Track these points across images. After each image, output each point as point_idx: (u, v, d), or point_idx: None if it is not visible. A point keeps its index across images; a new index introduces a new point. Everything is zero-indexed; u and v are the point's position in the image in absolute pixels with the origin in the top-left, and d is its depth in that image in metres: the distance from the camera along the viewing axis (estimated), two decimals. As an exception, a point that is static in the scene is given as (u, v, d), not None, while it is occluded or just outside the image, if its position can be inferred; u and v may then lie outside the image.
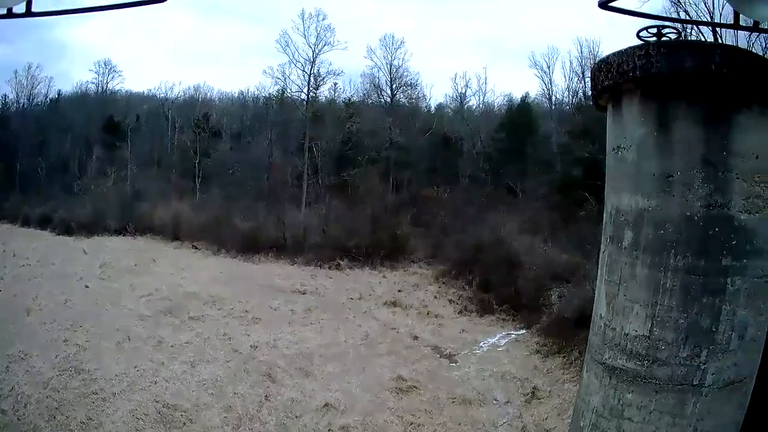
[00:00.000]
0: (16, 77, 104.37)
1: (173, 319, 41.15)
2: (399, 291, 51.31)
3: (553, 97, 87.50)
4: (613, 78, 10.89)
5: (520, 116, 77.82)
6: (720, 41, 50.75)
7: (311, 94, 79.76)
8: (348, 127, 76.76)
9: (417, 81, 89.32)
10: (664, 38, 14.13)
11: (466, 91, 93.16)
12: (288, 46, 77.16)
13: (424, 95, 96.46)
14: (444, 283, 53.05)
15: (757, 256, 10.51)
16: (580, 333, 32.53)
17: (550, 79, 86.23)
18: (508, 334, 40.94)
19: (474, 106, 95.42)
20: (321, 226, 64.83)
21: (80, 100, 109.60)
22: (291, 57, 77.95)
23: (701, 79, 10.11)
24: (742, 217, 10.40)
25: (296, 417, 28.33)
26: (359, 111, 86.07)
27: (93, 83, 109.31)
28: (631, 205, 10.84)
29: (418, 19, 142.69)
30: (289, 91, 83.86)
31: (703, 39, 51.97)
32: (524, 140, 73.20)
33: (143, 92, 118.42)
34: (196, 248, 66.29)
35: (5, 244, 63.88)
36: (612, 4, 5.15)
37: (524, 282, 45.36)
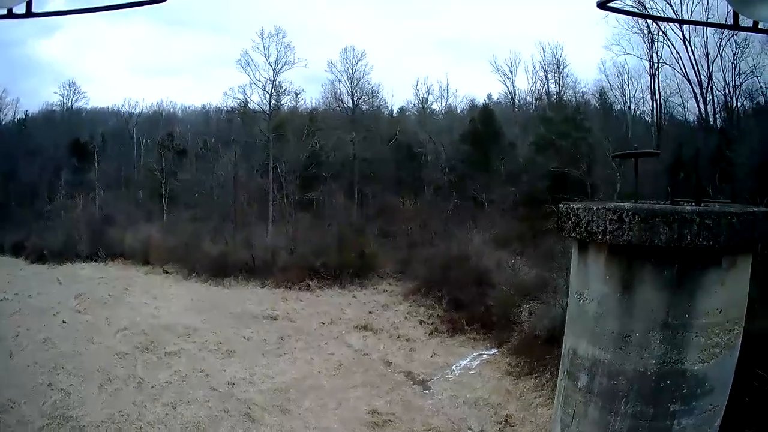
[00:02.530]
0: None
1: (150, 355, 41.45)
2: (369, 312, 51.85)
3: (517, 102, 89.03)
4: (581, 234, 12.09)
5: (484, 124, 77.33)
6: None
7: (272, 112, 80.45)
8: (311, 145, 76.92)
9: (378, 90, 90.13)
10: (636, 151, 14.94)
11: (428, 97, 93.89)
12: (249, 65, 77.20)
13: (385, 103, 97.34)
14: (414, 301, 53.45)
15: (707, 395, 11.70)
16: (551, 351, 33.36)
17: (513, 84, 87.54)
18: (479, 354, 41.37)
19: (437, 110, 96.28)
20: (289, 247, 65.13)
21: (47, 120, 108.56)
22: (252, 77, 78.02)
23: (673, 249, 10.90)
24: (695, 368, 11.50)
25: (278, 458, 28.94)
26: (322, 120, 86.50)
27: (58, 105, 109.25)
28: (587, 353, 12.38)
29: (376, 22, 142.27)
30: (250, 107, 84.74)
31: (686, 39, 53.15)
32: (489, 150, 73.24)
33: (108, 108, 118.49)
34: (167, 272, 66.33)
35: (-19, 278, 63.70)
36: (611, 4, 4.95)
37: (494, 299, 45.78)
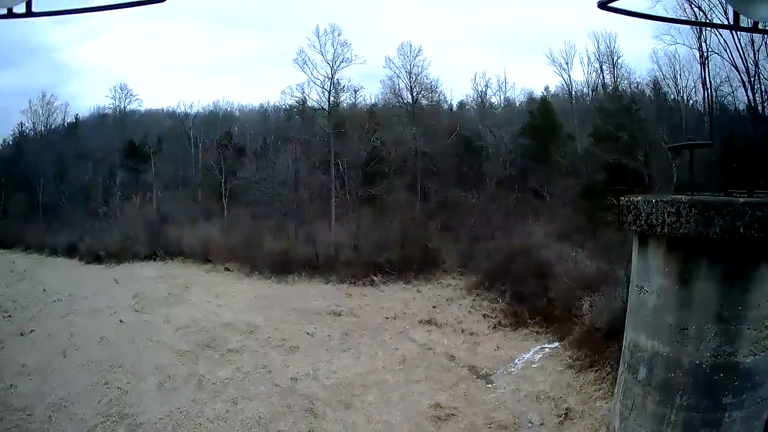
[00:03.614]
0: (30, 106, 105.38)
1: (212, 352, 41.11)
2: (434, 307, 51.02)
3: (574, 93, 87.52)
4: (641, 227, 12.80)
5: (542, 117, 77.12)
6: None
7: (331, 109, 79.65)
8: (372, 141, 76.02)
9: (437, 85, 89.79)
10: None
11: (486, 91, 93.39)
12: (306, 63, 76.58)
13: (444, 97, 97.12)
14: (477, 295, 52.65)
15: (758, 387, 12.14)
16: (611, 345, 33.17)
17: (569, 75, 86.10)
18: (541, 348, 40.71)
19: (496, 103, 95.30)
20: (352, 242, 64.40)
21: (99, 123, 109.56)
22: (309, 75, 77.41)
23: (728, 240, 11.32)
24: (747, 361, 11.92)
25: (340, 454, 28.30)
26: (382, 115, 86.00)
27: (110, 108, 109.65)
28: (647, 346, 13.22)
29: (430, 17, 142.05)
30: (309, 105, 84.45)
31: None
32: (548, 143, 72.87)
33: (162, 109, 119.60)
34: (229, 270, 65.69)
35: (34, 278, 64.06)
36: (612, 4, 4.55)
37: (555, 292, 45.12)
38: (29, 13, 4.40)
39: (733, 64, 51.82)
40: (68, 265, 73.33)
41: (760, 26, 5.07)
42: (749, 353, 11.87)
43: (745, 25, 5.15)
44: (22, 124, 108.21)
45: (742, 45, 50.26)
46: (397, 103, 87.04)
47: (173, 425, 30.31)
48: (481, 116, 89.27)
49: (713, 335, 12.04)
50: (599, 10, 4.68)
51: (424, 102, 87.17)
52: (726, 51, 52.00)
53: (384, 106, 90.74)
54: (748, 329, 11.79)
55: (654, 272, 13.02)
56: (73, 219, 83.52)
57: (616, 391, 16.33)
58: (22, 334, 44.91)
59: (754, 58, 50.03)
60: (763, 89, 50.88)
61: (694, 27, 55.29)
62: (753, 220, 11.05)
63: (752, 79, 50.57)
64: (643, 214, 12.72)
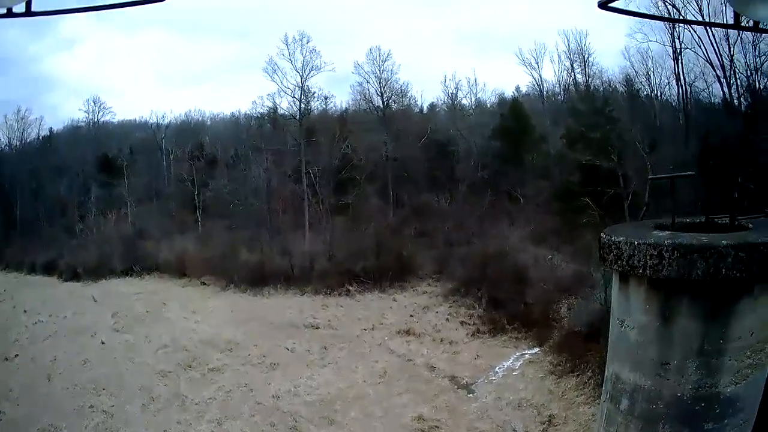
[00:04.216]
0: (6, 122, 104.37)
1: (193, 372, 41.32)
2: (411, 316, 51.20)
3: (545, 92, 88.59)
4: (622, 267, 12.90)
5: (514, 119, 76.76)
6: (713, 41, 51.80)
7: (302, 119, 79.50)
8: (343, 149, 76.10)
9: (407, 88, 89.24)
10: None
11: (457, 93, 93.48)
12: (276, 72, 76.48)
13: (415, 101, 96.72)
14: (454, 302, 52.65)
15: (739, 411, 12.42)
16: (591, 348, 33.48)
17: (540, 75, 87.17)
18: (521, 354, 40.99)
19: (467, 105, 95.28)
20: (326, 252, 64.48)
21: (73, 137, 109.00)
22: (279, 84, 77.11)
23: (709, 282, 11.51)
24: (728, 390, 12.20)
25: (326, 473, 28.61)
26: (353, 122, 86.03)
27: (84, 121, 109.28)
28: (629, 379, 13.40)
29: (398, 19, 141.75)
30: (280, 113, 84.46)
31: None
32: (520, 145, 72.82)
33: (135, 120, 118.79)
34: (205, 284, 65.68)
35: (14, 298, 64.06)
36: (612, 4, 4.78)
37: (533, 297, 45.40)
38: (29, 13, 4.55)
39: (707, 60, 52.78)
40: (47, 283, 73.41)
41: (761, 26, 5.20)
42: (730, 383, 12.26)
43: (746, 25, 5.42)
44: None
45: (717, 40, 51.14)
46: (367, 109, 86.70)
47: (161, 448, 30.73)
48: (452, 119, 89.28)
49: (695, 369, 12.38)
50: (600, 9, 4.88)
51: (394, 106, 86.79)
52: (700, 47, 52.93)
53: (354, 112, 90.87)
54: (730, 360, 12.17)
55: (635, 309, 13.33)
56: (50, 236, 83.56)
57: (598, 417, 16.62)
58: (6, 359, 45.06)
59: (729, 52, 50.89)
60: (739, 84, 51.72)
61: (667, 24, 55.60)
62: (736, 261, 11.36)
63: (728, 74, 51.44)
64: (624, 255, 12.95)
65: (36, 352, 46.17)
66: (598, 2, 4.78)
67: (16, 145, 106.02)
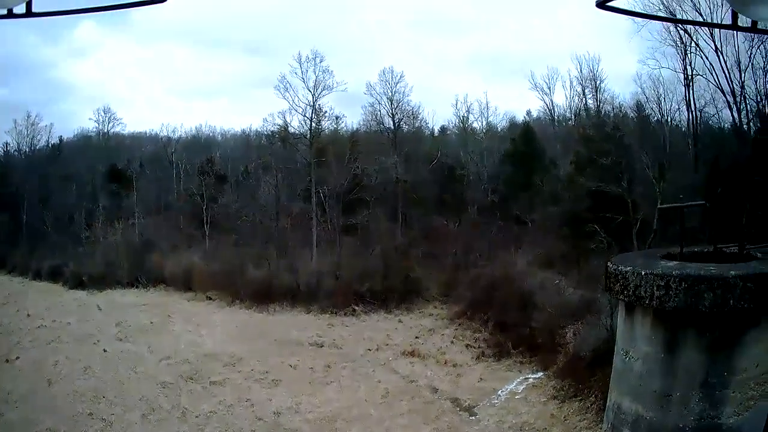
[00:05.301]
0: (15, 127, 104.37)
1: (195, 385, 41.23)
2: (416, 337, 51.06)
3: (556, 117, 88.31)
4: (629, 297, 12.91)
5: (524, 144, 76.51)
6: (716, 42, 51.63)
7: (313, 139, 78.89)
8: (353, 169, 75.78)
9: (419, 110, 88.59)
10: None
11: (468, 116, 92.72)
12: (287, 90, 76.25)
13: (426, 123, 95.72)
14: (460, 324, 52.66)
15: None
16: (595, 374, 32.90)
17: (552, 100, 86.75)
18: (525, 378, 40.73)
19: (477, 128, 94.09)
20: (334, 272, 64.06)
21: (82, 146, 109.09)
22: (291, 102, 76.76)
23: (717, 313, 11.48)
24: (730, 421, 12.01)
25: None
26: (363, 143, 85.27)
27: (94, 131, 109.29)
28: (631, 410, 13.34)
29: (412, 40, 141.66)
30: (291, 131, 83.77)
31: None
32: (530, 170, 72.39)
33: (146, 132, 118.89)
34: (210, 299, 65.54)
35: (18, 302, 63.94)
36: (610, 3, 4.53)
37: (539, 321, 45.04)
38: (29, 14, 4.24)
39: (718, 86, 52.29)
40: (52, 290, 73.21)
41: (759, 26, 5.00)
42: (733, 414, 12.03)
43: (744, 25, 5.28)
44: (7, 144, 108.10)
45: (728, 66, 50.76)
46: (378, 130, 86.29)
47: (160, 460, 30.56)
48: (463, 142, 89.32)
49: (698, 401, 12.24)
50: (598, 9, 4.65)
51: (405, 128, 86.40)
52: (711, 73, 52.44)
53: (365, 132, 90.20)
54: (733, 393, 11.97)
55: (640, 340, 13.32)
56: (56, 243, 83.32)
57: None
58: (7, 361, 44.99)
59: (740, 78, 50.43)
60: (749, 109, 51.43)
61: (679, 50, 55.27)
62: (744, 292, 11.24)
63: (738, 100, 51.04)
64: (631, 285, 12.86)
65: (38, 357, 46.11)
66: (596, 2, 4.32)
67: (26, 151, 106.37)
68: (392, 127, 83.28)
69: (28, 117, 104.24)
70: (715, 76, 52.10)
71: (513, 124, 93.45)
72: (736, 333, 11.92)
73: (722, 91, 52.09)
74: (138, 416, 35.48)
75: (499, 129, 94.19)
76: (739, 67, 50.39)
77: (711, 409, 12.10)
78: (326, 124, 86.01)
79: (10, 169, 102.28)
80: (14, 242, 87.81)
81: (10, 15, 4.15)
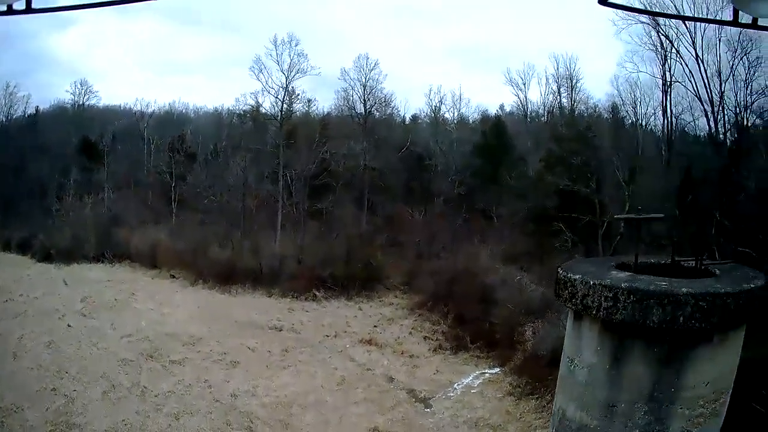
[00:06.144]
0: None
1: (155, 363, 41.53)
2: (375, 326, 51.60)
3: (529, 113, 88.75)
4: (576, 306, 12.74)
5: (495, 138, 77.73)
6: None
7: (283, 120, 79.60)
8: (322, 153, 76.27)
9: (391, 98, 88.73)
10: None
11: (440, 107, 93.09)
12: (261, 71, 76.54)
13: (398, 111, 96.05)
14: (419, 315, 53.31)
15: None
16: (553, 373, 33.36)
17: (526, 96, 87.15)
18: (482, 373, 41.13)
19: (449, 119, 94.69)
20: (296, 256, 64.73)
21: (57, 117, 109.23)
22: (264, 84, 76.94)
23: (666, 329, 11.47)
24: None
25: (277, 478, 28.75)
26: (334, 127, 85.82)
27: (69, 102, 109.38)
28: (575, 417, 13.22)
29: (388, 26, 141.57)
30: (263, 111, 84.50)
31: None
32: (499, 164, 72.86)
33: (120, 106, 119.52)
34: (174, 277, 66.26)
35: (-13, 276, 63.71)
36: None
37: (498, 317, 45.42)
38: (29, 10, 4.67)
39: (696, 95, 52.62)
40: (20, 262, 73.77)
41: (759, 23, 5.17)
42: (680, 430, 12.16)
43: (745, 22, 5.70)
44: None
45: (708, 75, 51.13)
46: (349, 115, 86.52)
47: (118, 438, 30.94)
48: (434, 132, 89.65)
49: (643, 414, 12.27)
50: (600, 6, 5.00)
51: (377, 114, 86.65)
52: (690, 81, 52.79)
53: (337, 117, 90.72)
54: (681, 409, 12.05)
55: (586, 349, 13.21)
56: (27, 214, 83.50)
57: None
58: (-26, 336, 45.07)
59: (720, 88, 50.65)
60: (726, 119, 51.63)
61: (659, 54, 55.25)
62: (695, 311, 11.19)
63: (716, 109, 51.21)
64: (579, 294, 12.68)
65: (4, 330, 46.21)
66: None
67: (2, 121, 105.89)
68: (363, 113, 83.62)
69: (7, 87, 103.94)
70: (693, 84, 52.49)
71: (485, 117, 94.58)
72: (686, 348, 11.94)
73: (700, 99, 52.43)
74: (99, 393, 35.81)
75: (470, 121, 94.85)
76: (720, 77, 50.57)
77: (657, 423, 12.20)
78: (298, 107, 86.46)
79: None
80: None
81: (10, 12, 4.64)
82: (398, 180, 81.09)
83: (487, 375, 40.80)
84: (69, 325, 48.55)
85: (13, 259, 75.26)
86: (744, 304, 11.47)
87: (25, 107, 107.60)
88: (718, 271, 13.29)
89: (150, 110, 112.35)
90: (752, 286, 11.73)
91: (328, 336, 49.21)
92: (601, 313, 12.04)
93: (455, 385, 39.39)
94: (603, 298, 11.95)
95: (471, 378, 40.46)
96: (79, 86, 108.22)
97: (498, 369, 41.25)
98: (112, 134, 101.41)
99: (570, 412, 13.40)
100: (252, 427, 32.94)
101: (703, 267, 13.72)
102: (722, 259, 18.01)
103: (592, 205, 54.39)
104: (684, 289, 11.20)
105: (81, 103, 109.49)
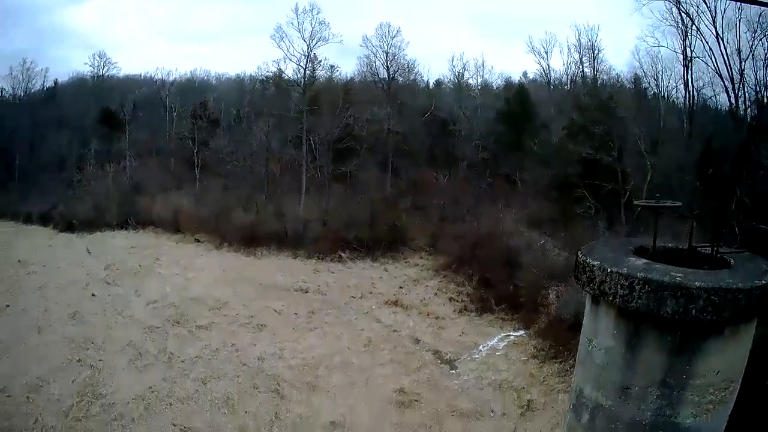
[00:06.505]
0: (11, 73, 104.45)
1: (181, 329, 41.56)
2: (400, 287, 51.53)
3: (552, 81, 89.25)
4: (594, 291, 13.18)
5: (518, 105, 77.57)
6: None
7: (306, 87, 78.50)
8: (345, 118, 76.17)
9: (414, 65, 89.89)
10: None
11: (464, 73, 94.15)
12: (283, 39, 76.30)
13: (421, 77, 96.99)
14: (444, 277, 53.29)
15: None
16: (576, 337, 33.20)
17: (548, 64, 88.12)
18: (506, 335, 41.11)
19: (472, 85, 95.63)
20: (321, 218, 64.77)
21: (77, 89, 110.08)
22: (286, 51, 76.82)
23: (678, 320, 11.72)
24: (687, 422, 12.59)
25: (306, 436, 28.88)
26: (357, 93, 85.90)
27: (88, 75, 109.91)
28: (592, 396, 13.86)
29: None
30: (285, 78, 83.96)
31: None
32: (522, 130, 72.73)
33: (140, 75, 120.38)
34: (198, 241, 66.32)
35: (9, 247, 64.11)
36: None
37: (522, 280, 45.39)
38: None
39: (717, 71, 52.49)
40: (42, 233, 73.62)
41: None
42: (690, 415, 12.55)
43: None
44: (2, 90, 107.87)
45: (728, 53, 51.02)
46: (372, 81, 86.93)
47: (145, 405, 30.86)
48: (457, 98, 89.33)
49: (655, 398, 12.66)
50: None
51: (400, 80, 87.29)
52: (711, 58, 52.81)
53: (359, 82, 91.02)
54: (691, 395, 12.42)
55: (603, 332, 13.59)
56: (48, 186, 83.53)
57: (562, 424, 17.70)
58: (-3, 310, 45.10)
59: (740, 66, 50.59)
60: (746, 96, 51.51)
61: (679, 31, 55.96)
62: (707, 304, 11.47)
63: (736, 86, 51.14)
64: (597, 280, 13.11)
65: (27, 303, 46.14)
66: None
67: (20, 96, 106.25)
68: (386, 79, 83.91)
69: (24, 62, 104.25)
70: (714, 61, 52.49)
71: (508, 83, 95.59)
72: (698, 339, 12.29)
73: (720, 76, 52.43)
74: (125, 361, 35.88)
75: (494, 87, 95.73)
76: (740, 56, 50.57)
77: (668, 407, 12.59)
78: (320, 73, 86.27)
79: (3, 115, 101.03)
80: (6, 187, 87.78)
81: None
82: (422, 144, 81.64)
83: (511, 337, 40.79)
84: (93, 294, 48.53)
85: (35, 230, 75.27)
86: (755, 300, 11.84)
87: (44, 81, 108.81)
88: (732, 261, 13.59)
89: (171, 78, 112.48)
90: (764, 282, 12.05)
91: (354, 297, 49.18)
92: (618, 300, 12.53)
93: (480, 347, 39.39)
94: (619, 286, 12.41)
95: (496, 340, 40.49)
96: (97, 58, 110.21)
97: (522, 332, 41.26)
98: (132, 103, 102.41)
99: (587, 391, 14.00)
100: (279, 390, 33.00)
101: (718, 255, 14.06)
102: (742, 234, 17.94)
103: (615, 173, 54.21)
104: (697, 283, 11.54)
105: (100, 74, 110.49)
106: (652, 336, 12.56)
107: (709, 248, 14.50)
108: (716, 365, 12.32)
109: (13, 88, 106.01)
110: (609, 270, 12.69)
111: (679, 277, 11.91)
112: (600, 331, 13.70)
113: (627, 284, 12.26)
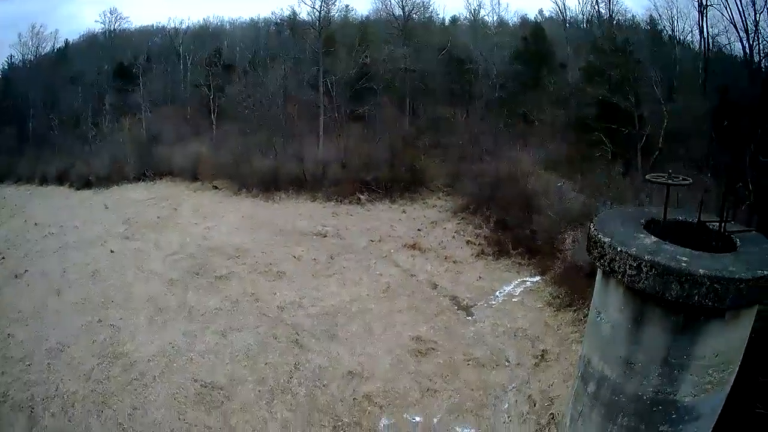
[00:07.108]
0: (20, 39, 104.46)
1: (201, 280, 41.75)
2: (418, 230, 51.39)
3: (568, 19, 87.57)
4: (604, 266, 13.66)
5: (535, 43, 77.21)
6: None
7: (321, 29, 78.07)
8: (362, 59, 75.55)
9: (429, 2, 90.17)
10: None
11: (479, 11, 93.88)
12: (297, -21, 75.84)
13: (437, 14, 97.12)
14: (462, 218, 53.10)
15: (694, 421, 13.40)
16: (591, 284, 32.87)
17: (564, 3, 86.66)
18: (522, 281, 40.91)
19: (489, 22, 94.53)
20: (340, 160, 64.36)
21: (88, 46, 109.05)
22: (300, -6, 76.38)
23: (682, 303, 12.16)
24: (686, 400, 13.05)
25: (324, 386, 29.16)
26: (372, 32, 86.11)
27: (100, 32, 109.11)
28: (598, 367, 14.45)
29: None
30: (300, 19, 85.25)
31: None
32: (539, 70, 72.45)
33: (152, 26, 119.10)
34: (217, 188, 66.42)
35: (25, 212, 64.67)
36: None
37: (539, 224, 44.83)
38: None
39: (731, 21, 52.00)
40: (59, 193, 74.30)
41: None
42: (689, 394, 13.04)
43: None
44: (11, 57, 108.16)
45: (743, 3, 50.41)
46: (388, 19, 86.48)
47: (166, 361, 31.28)
48: (473, 36, 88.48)
49: (657, 375, 13.16)
50: None
51: (415, 17, 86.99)
52: (726, 8, 52.31)
53: (375, 21, 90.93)
54: (691, 375, 12.89)
55: (611, 305, 14.02)
56: (63, 146, 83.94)
57: (570, 390, 18.16)
58: (16, 276, 45.31)
59: (755, 18, 49.95)
60: (761, 48, 50.76)
61: None
62: (710, 291, 11.83)
63: (751, 37, 50.60)
64: (607, 257, 13.56)
65: (46, 266, 46.54)
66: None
67: (31, 60, 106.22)
68: (402, 17, 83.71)
69: (33, 27, 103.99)
70: (729, 11, 51.99)
71: (524, 21, 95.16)
72: (700, 323, 12.70)
73: (735, 26, 51.91)
74: (146, 319, 36.24)
75: (510, 25, 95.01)
76: (754, 7, 49.94)
77: (668, 385, 13.14)
78: (335, 14, 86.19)
79: (15, 81, 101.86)
80: (21, 152, 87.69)
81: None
82: (439, 83, 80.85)
83: (528, 283, 40.64)
84: (112, 251, 48.85)
85: (51, 191, 75.75)
86: (757, 288, 12.30)
87: (54, 43, 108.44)
88: (739, 243, 13.94)
89: (184, 27, 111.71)
90: (766, 273, 12.40)
91: (372, 241, 49.22)
92: (626, 279, 13.21)
93: (497, 293, 39.39)
94: (628, 266, 12.95)
95: (512, 286, 40.40)
96: (108, 14, 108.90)
97: (539, 277, 41.03)
98: (146, 55, 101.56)
99: (594, 362, 14.73)
100: (298, 340, 33.32)
101: (727, 233, 14.29)
102: (756, 190, 18.02)
103: (631, 117, 53.46)
104: (702, 270, 11.94)
105: (112, 29, 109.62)
106: (657, 315, 13.03)
107: (717, 222, 14.80)
108: (716, 347, 12.84)
109: (23, 55, 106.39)
110: (619, 249, 13.19)
111: (685, 262, 12.29)
112: (608, 305, 14.20)
113: (635, 265, 12.72)
